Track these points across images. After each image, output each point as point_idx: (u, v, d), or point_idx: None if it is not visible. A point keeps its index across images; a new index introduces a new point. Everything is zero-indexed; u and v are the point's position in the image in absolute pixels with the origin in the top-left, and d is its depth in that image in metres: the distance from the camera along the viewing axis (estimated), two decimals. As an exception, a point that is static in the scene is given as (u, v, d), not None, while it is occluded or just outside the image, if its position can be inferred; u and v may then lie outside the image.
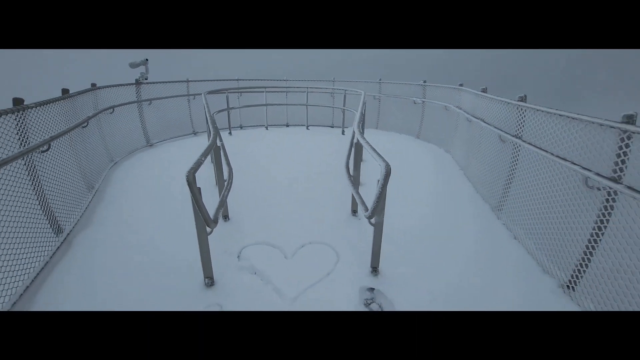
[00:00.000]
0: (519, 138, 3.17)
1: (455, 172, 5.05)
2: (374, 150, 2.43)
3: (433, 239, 3.14)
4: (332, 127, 8.56)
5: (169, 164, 5.22)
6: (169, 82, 7.26)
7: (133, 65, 6.33)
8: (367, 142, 2.68)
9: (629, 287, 1.91)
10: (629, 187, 1.87)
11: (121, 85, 5.97)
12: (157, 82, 6.88)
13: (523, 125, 3.17)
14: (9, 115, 2.55)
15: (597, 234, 2.18)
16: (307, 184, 4.28)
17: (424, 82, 7.27)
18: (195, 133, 7.79)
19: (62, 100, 3.60)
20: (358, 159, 3.41)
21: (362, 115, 3.76)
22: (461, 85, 5.85)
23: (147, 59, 6.34)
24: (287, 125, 8.50)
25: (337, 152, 5.50)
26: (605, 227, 2.13)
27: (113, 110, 5.49)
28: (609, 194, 2.09)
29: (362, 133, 3.10)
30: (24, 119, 2.77)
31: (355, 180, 3.34)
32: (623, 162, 1.96)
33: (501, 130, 3.58)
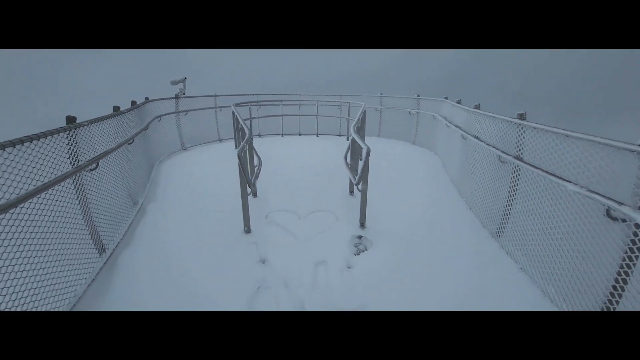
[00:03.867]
0: (477, 137, 4.26)
1: (437, 168, 6.12)
2: (360, 138, 3.56)
3: (408, 206, 4.21)
4: (340, 135, 9.72)
5: (201, 163, 6.45)
6: (201, 96, 8.59)
7: (174, 83, 7.69)
8: (357, 135, 3.81)
9: (532, 232, 2.94)
10: (520, 159, 2.93)
11: (165, 99, 7.31)
12: (191, 97, 8.22)
13: (469, 124, 4.26)
14: (113, 118, 3.80)
15: (511, 196, 3.23)
16: (315, 174, 5.42)
17: (418, 95, 8.42)
18: (220, 140, 9.04)
19: (137, 109, 4.89)
20: (355, 152, 4.54)
21: (359, 120, 4.88)
22: (446, 98, 6.96)
23: (185, 78, 7.70)
24: (300, 134, 9.70)
25: (341, 153, 6.63)
26: (515, 190, 3.18)
27: (160, 118, 6.80)
28: (515, 166, 3.15)
29: (356, 132, 4.20)
30: (122, 120, 4.02)
31: (351, 168, 4.45)
32: (521, 143, 3.03)
33: (464, 131, 4.67)
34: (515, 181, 3.16)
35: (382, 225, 3.80)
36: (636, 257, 1.82)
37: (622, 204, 1.76)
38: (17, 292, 1.91)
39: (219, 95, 9.04)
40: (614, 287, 1.95)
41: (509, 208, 3.26)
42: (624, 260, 1.89)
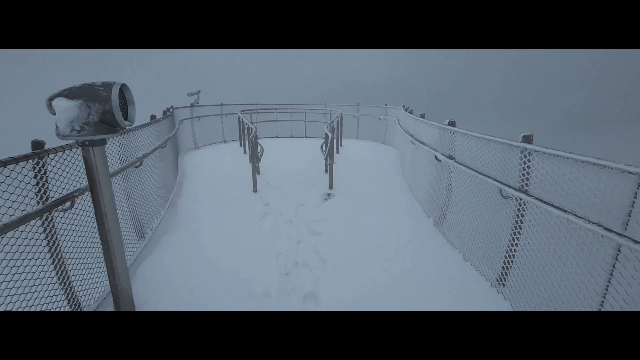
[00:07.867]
0: (411, 134, 6.27)
1: (394, 158, 8.16)
2: (329, 130, 5.54)
3: (365, 179, 6.20)
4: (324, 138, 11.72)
5: (214, 156, 8.38)
6: (210, 105, 10.55)
7: (190, 94, 9.64)
8: (327, 131, 5.79)
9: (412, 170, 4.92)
10: (419, 141, 4.95)
11: (185, 107, 9.27)
12: (203, 105, 10.17)
13: (406, 124, 6.28)
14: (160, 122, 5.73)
15: (413, 162, 5.22)
16: (301, 161, 7.41)
17: (385, 105, 10.51)
18: (225, 141, 10.95)
19: (170, 115, 6.84)
20: (327, 143, 6.52)
21: (332, 122, 6.88)
22: (403, 106, 9.03)
23: (200, 90, 9.66)
24: (291, 136, 11.68)
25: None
26: (414, 158, 5.17)
27: (182, 122, 8.73)
28: (416, 146, 5.16)
29: (331, 131, 6.16)
30: (171, 119, 5.95)
31: (324, 152, 6.42)
32: (453, 144, 5.03)
33: (402, 128, 6.69)
34: (414, 153, 5.17)
35: (345, 187, 5.78)
36: (439, 175, 3.82)
37: (429, 145, 3.78)
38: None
39: (225, 105, 11.01)
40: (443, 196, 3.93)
41: (414, 168, 5.26)
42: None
